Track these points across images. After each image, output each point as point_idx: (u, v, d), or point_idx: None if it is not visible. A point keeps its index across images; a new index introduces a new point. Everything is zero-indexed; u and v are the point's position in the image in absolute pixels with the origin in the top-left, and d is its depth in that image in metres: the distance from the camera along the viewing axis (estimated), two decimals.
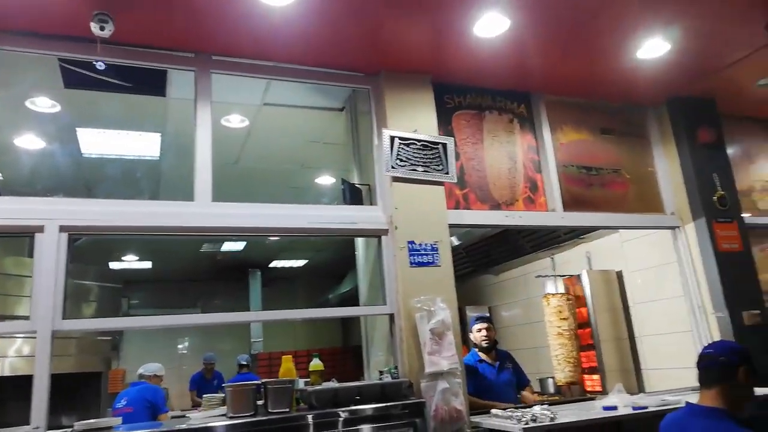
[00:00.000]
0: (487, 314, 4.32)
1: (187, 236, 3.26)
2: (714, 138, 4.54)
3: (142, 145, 4.64)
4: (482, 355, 4.12)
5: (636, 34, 3.58)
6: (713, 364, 2.03)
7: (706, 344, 2.23)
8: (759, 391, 2.13)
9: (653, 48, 3.74)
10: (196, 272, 9.95)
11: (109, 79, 3.25)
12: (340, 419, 2.74)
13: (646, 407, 3.15)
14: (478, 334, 4.13)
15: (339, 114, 4.34)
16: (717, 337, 4.15)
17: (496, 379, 4.02)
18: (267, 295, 10.53)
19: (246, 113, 4.31)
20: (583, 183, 4.31)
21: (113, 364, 9.35)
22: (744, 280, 4.26)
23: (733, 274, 4.22)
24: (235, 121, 4.36)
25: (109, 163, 4.89)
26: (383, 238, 3.53)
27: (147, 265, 9.19)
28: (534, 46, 3.64)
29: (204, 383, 7.32)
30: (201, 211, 3.18)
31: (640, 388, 4.92)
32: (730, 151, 4.70)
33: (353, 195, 3.85)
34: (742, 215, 4.48)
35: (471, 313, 7.50)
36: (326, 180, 5.65)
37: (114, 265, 8.77)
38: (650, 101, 4.65)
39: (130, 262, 8.89)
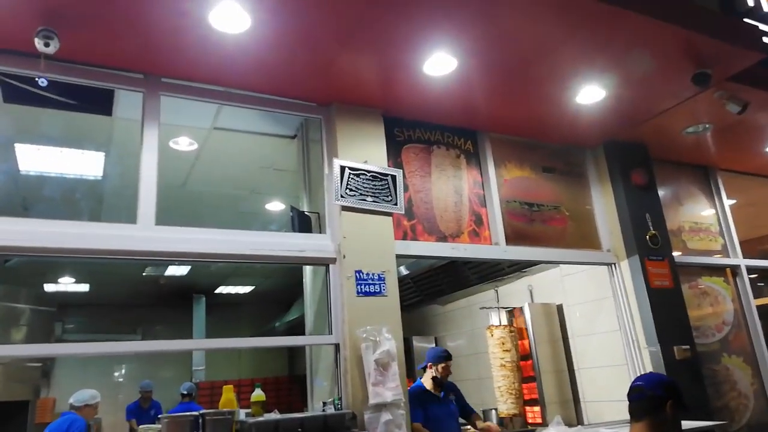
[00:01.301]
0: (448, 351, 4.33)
1: (127, 260, 3.13)
2: (646, 180, 4.77)
3: (84, 164, 4.48)
4: (427, 386, 4.10)
5: (574, 80, 3.75)
6: (642, 397, 2.08)
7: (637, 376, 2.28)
8: (686, 424, 2.20)
9: (590, 94, 3.92)
10: (137, 296, 9.56)
11: (53, 96, 3.13)
12: None
13: None
14: (444, 370, 4.12)
15: (290, 141, 4.34)
16: (650, 371, 4.29)
17: (440, 410, 4.01)
18: (211, 322, 10.21)
19: (195, 136, 4.25)
20: (526, 218, 4.42)
21: (43, 392, 8.77)
22: (674, 316, 4.44)
23: (664, 309, 4.39)
24: (184, 143, 4.28)
25: (48, 182, 4.68)
26: (331, 266, 3.51)
27: (84, 288, 8.77)
28: (479, 87, 3.76)
29: (141, 413, 6.96)
30: (143, 234, 3.08)
31: (579, 420, 4.99)
32: (661, 192, 4.94)
33: (302, 223, 3.82)
34: (672, 254, 4.70)
35: (418, 343, 7.50)
36: (276, 206, 5.59)
37: (49, 288, 8.31)
38: (588, 143, 4.86)
39: (66, 284, 8.45)
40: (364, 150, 3.73)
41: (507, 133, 4.52)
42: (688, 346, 4.35)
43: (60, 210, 4.82)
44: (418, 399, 3.89)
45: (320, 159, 3.82)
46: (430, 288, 6.97)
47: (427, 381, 4.13)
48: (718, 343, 4.88)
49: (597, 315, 4.81)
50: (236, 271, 8.79)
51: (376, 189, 3.64)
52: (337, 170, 3.55)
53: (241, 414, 2.92)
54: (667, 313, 4.40)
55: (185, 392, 6.88)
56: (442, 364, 4.09)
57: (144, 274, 8.21)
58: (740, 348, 4.98)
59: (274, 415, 2.89)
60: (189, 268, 8.21)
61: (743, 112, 4.00)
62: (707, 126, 4.60)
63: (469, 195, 4.22)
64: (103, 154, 4.39)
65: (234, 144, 4.49)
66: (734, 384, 4.80)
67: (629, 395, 2.14)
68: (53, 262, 7.16)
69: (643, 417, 2.05)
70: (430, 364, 4.11)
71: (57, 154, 4.31)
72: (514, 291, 6.28)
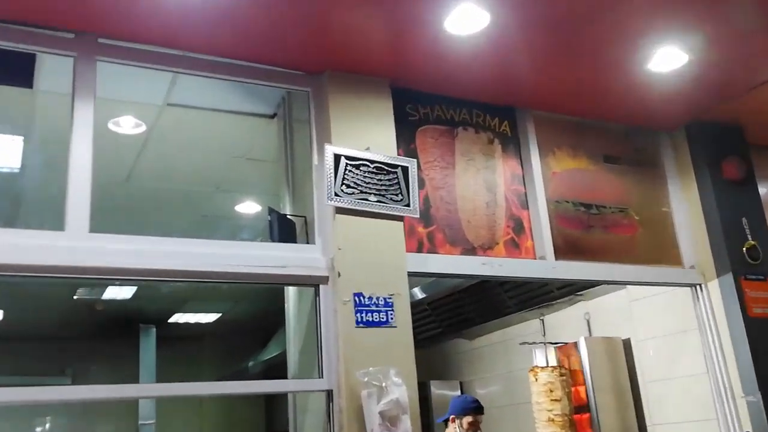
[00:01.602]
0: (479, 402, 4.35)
1: (53, 278, 3.14)
2: (743, 174, 4.74)
3: None
4: None
5: (646, 40, 3.73)
6: None
7: None
8: None
9: (667, 59, 3.91)
10: (67, 327, 9.59)
11: None
12: None
13: None
14: (470, 427, 4.11)
15: (269, 122, 4.35)
16: (747, 428, 4.24)
17: None
18: (164, 361, 10.19)
19: (143, 115, 4.26)
20: (581, 224, 4.41)
21: None
22: None
23: (766, 346, 4.35)
24: (128, 125, 4.29)
25: None
26: (322, 287, 3.52)
27: None
28: (519, 50, 3.76)
29: None
30: (74, 244, 3.08)
31: None
32: (762, 190, 4.91)
33: (284, 230, 3.83)
34: None
35: (438, 389, 7.49)
36: (249, 208, 5.61)
37: None
38: (665, 125, 4.84)
39: None
40: (366, 133, 3.73)
41: (556, 110, 4.52)
42: None
43: None
44: None
45: (308, 145, 3.83)
46: (453, 317, 6.96)
47: None
48: None
49: (677, 353, 4.78)
50: (197, 293, 8.79)
51: (381, 185, 3.64)
52: (329, 160, 3.55)
53: None
54: None
55: None
56: (470, 418, 4.09)
57: (75, 297, 8.22)
58: None
59: None
60: (134, 289, 8.21)
61: None
62: None
63: (505, 193, 4.21)
64: (21, 138, 4.40)
65: (194, 126, 4.50)
66: None
67: None
68: None
69: None
70: (453, 416, 4.12)
71: None
72: (566, 321, 6.25)
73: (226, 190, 5.36)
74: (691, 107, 4.57)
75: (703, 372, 4.50)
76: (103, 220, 3.21)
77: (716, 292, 4.52)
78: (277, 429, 11.06)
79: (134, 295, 8.46)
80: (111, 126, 4.24)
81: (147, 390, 7.60)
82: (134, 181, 4.99)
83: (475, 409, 4.12)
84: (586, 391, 5.42)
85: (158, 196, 5.31)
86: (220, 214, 5.72)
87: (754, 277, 4.52)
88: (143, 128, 4.37)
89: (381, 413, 3.17)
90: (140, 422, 9.86)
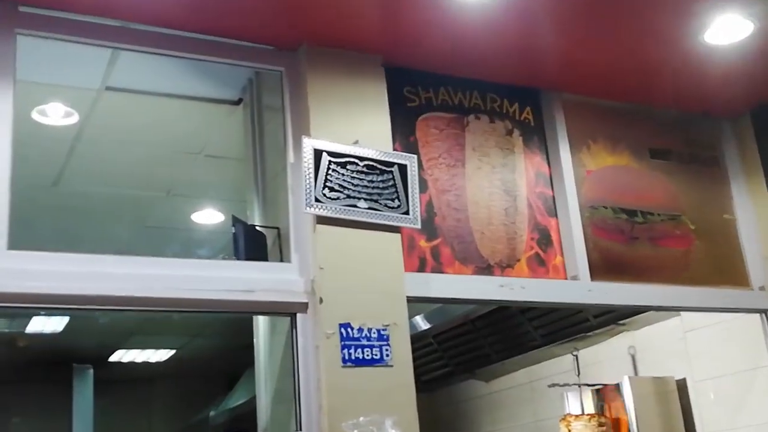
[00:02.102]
0: None
1: None
2: None
3: None
4: None
5: (702, 6, 3.73)
6: None
7: None
8: None
9: (728, 29, 3.91)
10: None
11: None
12: None
13: None
14: None
15: (232, 110, 4.36)
16: None
17: None
18: (104, 409, 10.18)
19: (75, 102, 4.26)
20: (623, 235, 4.40)
21: None
22: None
23: None
24: (56, 114, 4.29)
25: None
26: (299, 317, 3.50)
27: None
28: (547, 16, 3.75)
29: None
30: None
31: None
32: None
33: (251, 244, 3.83)
34: None
35: None
36: (208, 217, 5.62)
37: None
38: (725, 110, 4.87)
39: None
40: (354, 123, 3.74)
41: (591, 93, 4.54)
42: None
43: None
44: None
45: (281, 139, 3.83)
46: (465, 353, 6.96)
47: None
48: None
49: (744, 396, 4.79)
50: (144, 326, 8.78)
51: (373, 188, 3.64)
52: (308, 157, 3.53)
53: None
54: None
55: None
56: None
57: None
58: None
59: None
60: (66, 321, 8.20)
61: None
62: None
63: (528, 197, 4.21)
64: None
65: (138, 115, 4.50)
66: None
67: None
68: None
69: None
70: None
71: None
72: (606, 357, 6.25)
73: (179, 195, 5.37)
74: (758, 88, 4.57)
75: None
76: (25, 234, 3.19)
77: None
78: None
79: (66, 328, 8.44)
80: (35, 116, 4.24)
81: None
82: (64, 185, 4.99)
83: None
84: None
85: (94, 203, 5.30)
86: (172, 225, 5.71)
87: None
88: (75, 118, 4.37)
89: None
90: None
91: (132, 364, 10.41)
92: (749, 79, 4.46)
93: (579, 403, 5.88)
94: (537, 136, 4.36)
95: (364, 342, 3.43)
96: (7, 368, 9.55)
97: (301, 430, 3.36)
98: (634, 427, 5.38)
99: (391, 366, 3.44)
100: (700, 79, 4.40)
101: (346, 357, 3.37)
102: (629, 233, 4.43)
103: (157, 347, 9.90)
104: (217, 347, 9.54)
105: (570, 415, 5.62)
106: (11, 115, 3.27)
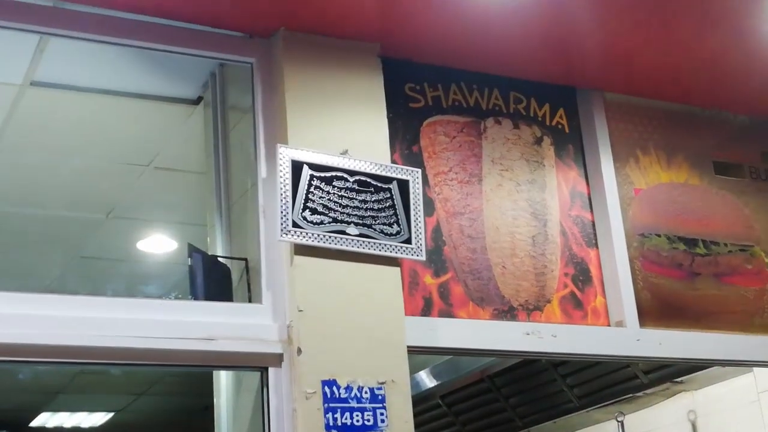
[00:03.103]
0: None
1: None
2: None
3: None
4: None
5: None
6: None
7: None
8: None
9: None
10: None
11: None
12: None
13: None
14: None
15: (190, 111, 4.37)
16: None
17: None
18: None
19: None
20: (682, 271, 4.42)
21: None
22: None
23: None
24: None
25: None
26: (272, 372, 3.50)
27: None
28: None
29: None
30: None
31: None
32: None
33: (212, 280, 3.84)
34: None
35: None
36: (158, 245, 5.62)
37: None
38: None
39: None
40: (343, 128, 3.75)
41: (639, 93, 4.57)
42: None
43: None
44: None
45: (251, 147, 3.84)
46: (481, 417, 6.95)
47: None
48: None
49: None
50: (75, 382, 8.76)
51: (367, 209, 3.64)
52: (285, 171, 3.53)
53: None
54: None
55: None
56: None
57: None
58: None
59: None
60: None
61: None
62: None
63: (562, 222, 4.22)
64: None
65: (72, 117, 4.51)
66: None
67: None
68: None
69: None
70: None
71: None
72: (659, 423, 6.25)
73: (121, 217, 5.37)
74: None
75: None
76: None
77: None
78: None
79: None
80: None
81: None
82: None
83: None
84: None
85: (16, 226, 5.30)
86: (112, 255, 5.69)
87: None
88: None
89: None
90: None
91: (59, 430, 10.38)
92: None
93: None
94: (572, 146, 4.38)
95: (354, 404, 3.40)
96: None
97: None
98: None
99: None
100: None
101: (331, 423, 3.34)
102: (689, 268, 4.44)
103: (91, 409, 9.87)
104: (168, 409, 9.52)
105: None
106: None
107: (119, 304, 3.44)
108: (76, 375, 8.38)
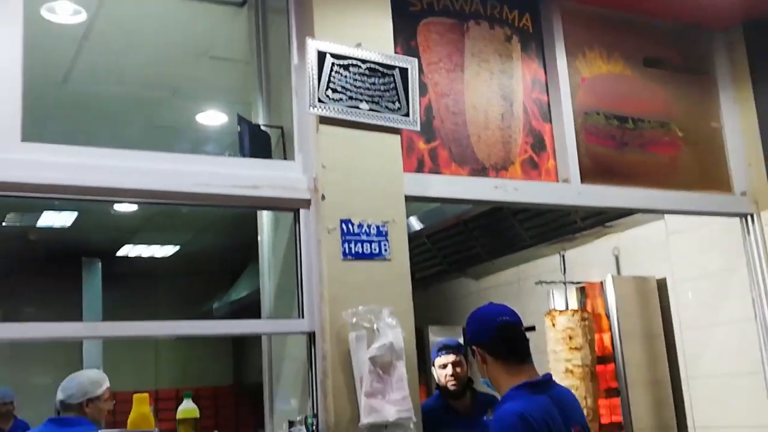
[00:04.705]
0: (457, 340, 4.37)
1: None
2: None
3: None
4: (451, 402, 4.19)
5: None
6: None
7: None
8: None
9: None
10: None
11: None
12: None
13: None
14: (441, 371, 4.15)
15: (237, 11, 4.28)
16: None
17: None
18: (112, 300, 10.31)
19: (83, 1, 4.14)
20: (614, 141, 4.40)
21: None
22: None
23: None
24: (65, 11, 4.18)
25: None
26: (302, 213, 3.51)
27: None
28: None
29: None
30: (3, 156, 3.05)
31: None
32: None
33: (256, 143, 3.79)
34: None
35: (436, 336, 7.60)
36: (214, 118, 5.57)
37: None
38: (718, 22, 4.79)
39: None
40: (357, 26, 3.66)
41: (588, 2, 4.46)
42: None
43: None
44: (429, 420, 3.70)
45: (285, 41, 3.76)
46: (458, 252, 7.04)
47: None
48: None
49: (721, 296, 4.85)
50: (150, 221, 8.81)
51: (375, 90, 3.59)
52: (312, 59, 3.47)
53: None
54: None
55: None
56: (440, 360, 4.12)
57: (4, 224, 8.22)
58: None
59: None
60: (75, 216, 8.21)
61: None
62: None
63: (524, 102, 4.18)
64: None
65: (145, 15, 4.39)
66: None
67: None
68: None
69: None
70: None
71: None
72: (591, 257, 6.34)
73: (185, 96, 5.30)
74: (750, 1, 4.50)
75: (751, 318, 4.59)
76: (38, 128, 3.17)
77: None
78: (247, 381, 11.33)
79: (75, 223, 8.45)
80: (44, 13, 4.14)
81: (91, 329, 7.65)
82: (73, 83, 4.91)
83: (440, 350, 4.16)
84: (612, 338, 5.53)
85: (102, 101, 5.23)
86: (179, 125, 5.66)
87: None
88: (83, 17, 4.27)
89: (372, 359, 3.21)
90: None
91: (138, 259, 10.50)
92: None
93: (564, 300, 6.00)
94: (535, 43, 4.30)
95: (364, 237, 3.44)
96: (20, 260, 9.62)
97: (303, 317, 3.41)
98: (614, 322, 5.51)
99: (389, 260, 3.46)
100: None
101: (347, 251, 3.39)
102: (620, 139, 4.42)
103: (162, 243, 9.94)
104: (221, 244, 9.59)
105: (554, 310, 5.73)
106: (21, 12, 3.19)
107: (186, 159, 3.44)
108: (151, 215, 8.44)
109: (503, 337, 2.77)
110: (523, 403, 2.64)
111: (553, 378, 2.99)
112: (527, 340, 2.86)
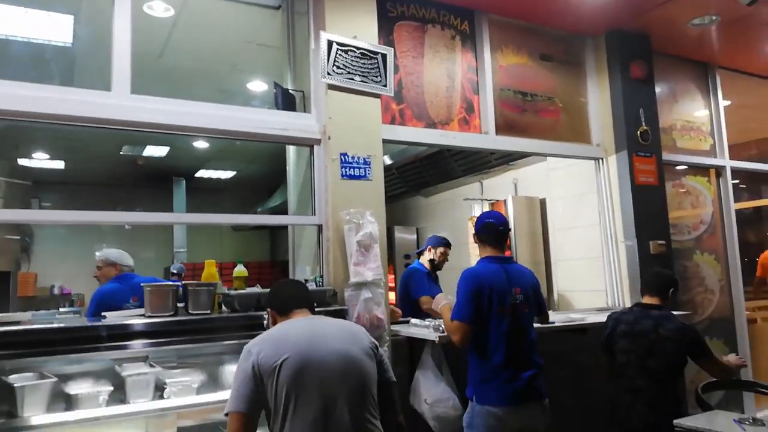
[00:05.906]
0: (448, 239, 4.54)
1: (102, 129, 3.05)
2: (645, 73, 4.68)
3: (51, 27, 4.21)
4: (432, 273, 4.42)
5: None
6: None
7: None
8: None
9: None
10: (115, 177, 9.49)
11: None
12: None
13: (553, 322, 3.41)
14: (441, 255, 4.39)
15: (275, 12, 4.12)
16: (624, 264, 4.49)
17: (438, 292, 4.25)
18: (191, 206, 10.26)
19: (172, 1, 3.99)
20: (518, 108, 4.37)
21: (23, 266, 8.94)
22: (654, 212, 4.57)
23: (645, 206, 4.50)
24: (159, 8, 4.02)
25: (14, 45, 4.43)
26: (315, 147, 3.49)
27: (59, 164, 8.64)
28: None
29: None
30: (118, 102, 2.98)
31: (552, 307, 5.29)
32: (658, 88, 4.87)
33: (286, 101, 3.72)
34: (660, 151, 4.73)
35: (400, 233, 7.71)
36: (258, 86, 5.41)
37: (23, 162, 8.18)
38: (591, 31, 4.70)
39: (41, 160, 8.31)
40: (354, 24, 3.57)
41: (507, 14, 4.36)
42: (663, 242, 4.52)
43: (28, 74, 4.65)
44: (426, 277, 4.26)
45: (306, 33, 3.67)
46: (415, 179, 7.05)
47: (424, 264, 4.40)
48: (693, 241, 5.08)
49: (579, 209, 4.92)
50: (217, 154, 8.70)
51: (364, 68, 3.52)
52: (324, 45, 3.40)
53: (223, 290, 3.02)
54: (648, 209, 4.52)
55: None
56: (441, 249, 4.39)
57: (121, 153, 8.08)
58: (713, 247, 5.20)
59: (257, 289, 3.00)
60: (168, 149, 8.09)
61: (754, 3, 3.85)
62: (714, 18, 4.44)
63: (462, 80, 4.13)
64: (71, 17, 4.12)
65: (214, 13, 4.24)
66: (702, 280, 5.06)
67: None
68: (25, 133, 6.98)
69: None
70: (429, 247, 4.40)
71: (21, 14, 4.03)
72: (500, 184, 6.37)
73: (239, 69, 5.15)
74: (613, 17, 4.43)
75: (596, 223, 4.67)
76: (142, 86, 3.09)
77: (614, 165, 4.60)
78: (279, 258, 11.43)
79: (168, 154, 8.34)
80: (146, 9, 3.99)
81: (179, 218, 7.62)
82: (166, 58, 4.75)
83: (445, 243, 4.44)
84: (510, 235, 5.62)
85: (185, 71, 5.07)
86: (235, 90, 5.53)
87: (643, 154, 4.59)
88: (172, 12, 4.12)
89: (358, 242, 3.26)
90: (175, 250, 10.06)
91: (209, 179, 10.41)
92: (607, 12, 4.31)
93: (481, 210, 6.06)
94: (470, 41, 4.21)
95: (355, 165, 3.44)
96: (131, 178, 9.52)
97: (315, 215, 3.44)
98: (512, 225, 5.59)
99: (371, 180, 3.47)
100: (577, 9, 4.25)
101: (344, 173, 3.40)
102: (522, 107, 4.39)
103: (225, 169, 9.84)
104: (263, 170, 9.53)
105: (475, 216, 5.79)
106: (130, 8, 3.11)
107: (240, 110, 3.38)
108: (217, 150, 8.35)
109: (486, 230, 2.95)
110: (480, 267, 2.86)
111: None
112: (502, 234, 2.97)
